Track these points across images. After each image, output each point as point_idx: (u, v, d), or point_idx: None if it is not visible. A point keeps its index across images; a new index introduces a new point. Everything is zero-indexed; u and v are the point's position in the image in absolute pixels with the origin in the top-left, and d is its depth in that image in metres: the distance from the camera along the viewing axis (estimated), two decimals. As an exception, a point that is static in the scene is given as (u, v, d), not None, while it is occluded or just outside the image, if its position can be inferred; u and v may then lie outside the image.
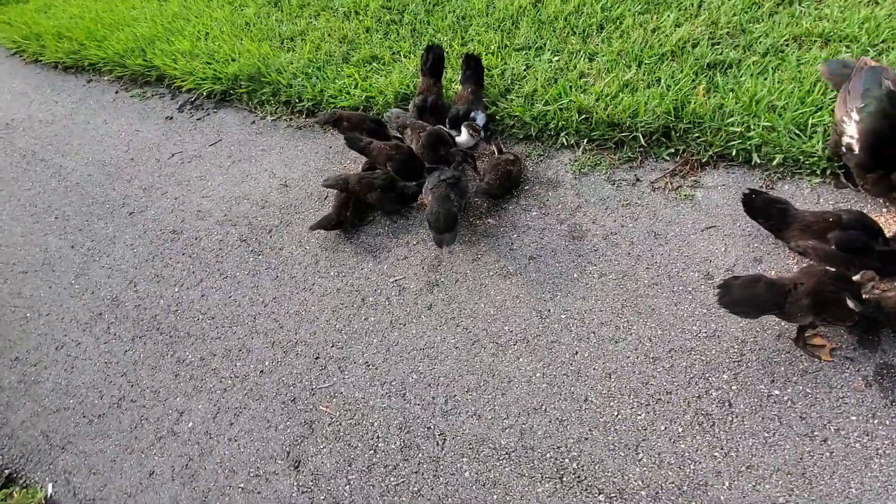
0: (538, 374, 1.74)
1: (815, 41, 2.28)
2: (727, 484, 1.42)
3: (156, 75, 3.56)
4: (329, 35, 3.28)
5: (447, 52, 2.88)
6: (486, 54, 2.76)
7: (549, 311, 1.88)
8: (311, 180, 2.66)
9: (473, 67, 2.50)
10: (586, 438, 1.58)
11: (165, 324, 2.29)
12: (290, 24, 3.45)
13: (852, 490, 1.35)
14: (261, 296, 2.26)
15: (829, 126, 1.98)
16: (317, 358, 2.00)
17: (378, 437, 1.75)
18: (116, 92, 3.64)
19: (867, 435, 1.41)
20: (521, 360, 1.79)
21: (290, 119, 3.02)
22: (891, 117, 1.72)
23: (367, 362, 1.93)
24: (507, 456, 1.61)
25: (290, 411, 1.89)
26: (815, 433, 1.45)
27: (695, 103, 2.17)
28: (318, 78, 3.02)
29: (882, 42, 2.16)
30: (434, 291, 2.06)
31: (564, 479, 1.53)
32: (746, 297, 1.48)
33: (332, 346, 2.01)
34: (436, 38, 2.99)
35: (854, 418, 1.45)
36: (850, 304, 1.43)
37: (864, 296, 1.46)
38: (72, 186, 3.11)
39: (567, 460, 1.56)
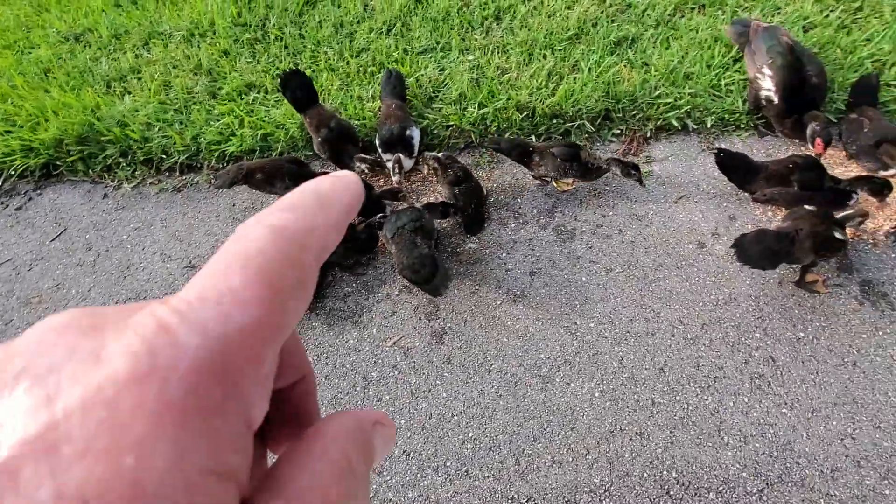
0: (596, 394, 1.64)
1: (693, 8, 2.52)
2: (804, 434, 1.51)
3: (-87, 161, 2.48)
4: (175, 67, 2.63)
5: (339, 68, 2.53)
6: (389, 63, 2.49)
7: (577, 323, 1.78)
8: (226, 251, 2.12)
9: (395, 82, 2.22)
10: (672, 442, 1.53)
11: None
12: (112, 61, 2.68)
13: (891, 399, 1.54)
14: (224, 418, 1.73)
15: (740, 84, 2.20)
16: (339, 470, 1.61)
17: (462, 536, 1.48)
18: None
19: (880, 347, 1.62)
20: (572, 385, 1.67)
21: (160, 181, 2.37)
22: (796, 69, 1.97)
23: (405, 451, 1.62)
24: (607, 493, 1.49)
25: (335, 551, 1.49)
26: (845, 360, 1.62)
27: (624, 82, 2.24)
28: (182, 123, 2.40)
29: (744, 1, 2.48)
30: (445, 341, 1.80)
31: (672, 492, 1.47)
32: (761, 250, 1.57)
33: (353, 448, 1.64)
34: (319, 53, 2.60)
35: (864, 336, 1.65)
36: (840, 236, 1.61)
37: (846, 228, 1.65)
38: None
39: (665, 472, 1.50)
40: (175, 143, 2.32)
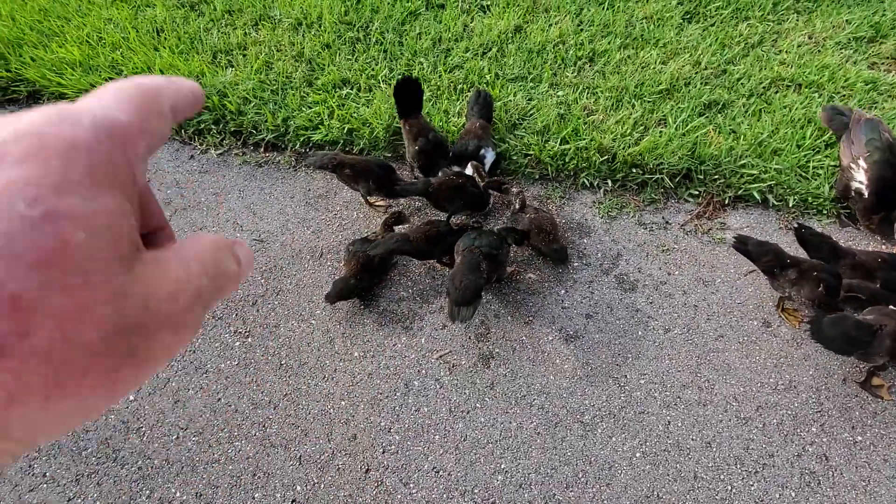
0: (638, 455, 1.61)
1: (789, 86, 2.50)
2: (851, 545, 1.44)
3: (27, 91, 2.66)
4: (279, 51, 2.75)
5: (431, 80, 2.60)
6: (480, 83, 2.55)
7: (626, 377, 1.76)
8: (294, 233, 2.18)
9: (483, 103, 2.28)
10: (709, 521, 1.49)
11: (126, 450, 1.68)
12: (222, 35, 2.83)
13: (950, 528, 1.46)
14: (265, 394, 1.77)
15: (829, 169, 2.17)
16: (367, 471, 1.62)
17: (480, 566, 1.46)
18: (-36, 114, 2.64)
19: (944, 471, 1.54)
20: (614, 439, 1.64)
21: (244, 154, 2.47)
22: (893, 166, 1.93)
23: (435, 468, 1.61)
24: (633, 558, 1.45)
25: (351, 550, 1.49)
26: (903, 475, 1.54)
27: (710, 145, 2.23)
28: (276, 104, 2.51)
29: (843, 88, 2.45)
30: (491, 366, 1.81)
31: (701, 573, 1.42)
32: (839, 333, 1.53)
33: (384, 452, 1.65)
34: (414, 62, 2.69)
35: (927, 455, 1.58)
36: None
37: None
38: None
39: (697, 550, 1.45)
40: (266, 122, 2.42)
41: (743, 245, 1.77)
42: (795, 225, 1.84)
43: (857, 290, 1.73)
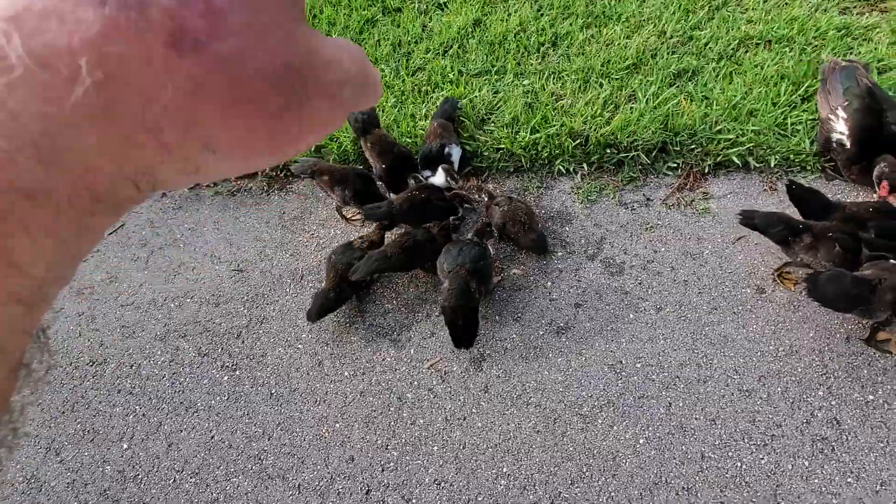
0: (641, 441, 1.56)
1: (758, 44, 2.44)
2: (872, 510, 1.39)
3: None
4: (239, 76, 2.73)
5: (394, 85, 2.57)
6: (443, 83, 2.51)
7: (622, 362, 1.71)
8: (272, 259, 2.15)
9: (444, 107, 2.25)
10: (722, 503, 1.43)
11: (125, 500, 1.65)
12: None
13: (974, 480, 1.40)
14: (258, 426, 1.74)
15: (808, 124, 2.10)
16: (368, 492, 1.58)
17: (491, 577, 1.41)
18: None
19: (962, 420, 1.48)
20: (615, 428, 1.59)
21: (216, 184, 2.44)
22: (876, 112, 1.87)
23: (436, 480, 1.57)
24: (648, 550, 1.40)
25: (358, 576, 1.45)
26: (919, 430, 1.48)
27: (683, 115, 2.18)
28: (242, 130, 2.48)
29: (815, 39, 2.38)
30: (483, 368, 1.76)
31: (719, 557, 1.37)
32: (836, 291, 1.48)
33: (383, 471, 1.61)
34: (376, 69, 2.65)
35: (942, 406, 1.51)
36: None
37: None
38: None
39: (713, 534, 1.40)
40: (233, 150, 2.40)
41: (750, 219, 1.69)
42: (787, 182, 1.77)
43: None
